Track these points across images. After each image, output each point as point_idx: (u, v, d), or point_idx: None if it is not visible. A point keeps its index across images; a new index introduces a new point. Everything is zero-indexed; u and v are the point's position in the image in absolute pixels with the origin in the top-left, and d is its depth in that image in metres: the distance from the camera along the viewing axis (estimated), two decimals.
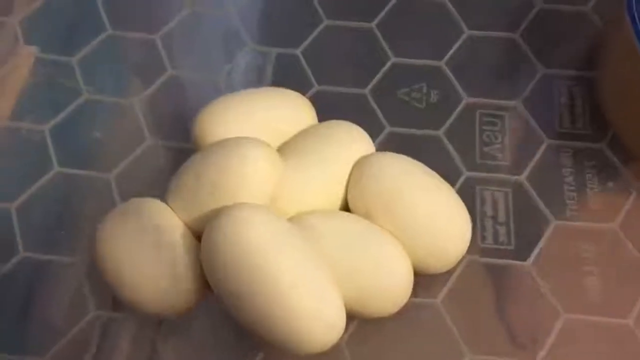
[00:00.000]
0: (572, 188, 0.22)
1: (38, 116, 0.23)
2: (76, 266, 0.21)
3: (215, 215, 0.18)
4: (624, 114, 0.22)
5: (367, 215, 0.19)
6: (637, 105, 0.21)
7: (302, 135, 0.21)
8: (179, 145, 0.23)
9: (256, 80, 0.24)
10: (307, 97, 0.23)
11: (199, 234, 0.19)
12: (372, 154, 0.20)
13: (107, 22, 0.25)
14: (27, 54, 0.25)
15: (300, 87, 0.23)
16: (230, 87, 0.24)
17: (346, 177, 0.20)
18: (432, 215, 0.19)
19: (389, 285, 0.18)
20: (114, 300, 0.20)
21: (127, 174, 0.22)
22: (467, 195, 0.21)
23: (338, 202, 0.20)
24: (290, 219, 0.19)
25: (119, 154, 0.22)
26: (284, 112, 0.21)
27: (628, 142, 0.22)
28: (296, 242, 0.17)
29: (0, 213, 0.21)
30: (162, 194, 0.20)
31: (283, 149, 0.20)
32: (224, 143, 0.19)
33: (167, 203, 0.19)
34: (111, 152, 0.23)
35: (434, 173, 0.20)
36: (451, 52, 0.25)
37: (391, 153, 0.20)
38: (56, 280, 0.21)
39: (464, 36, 0.25)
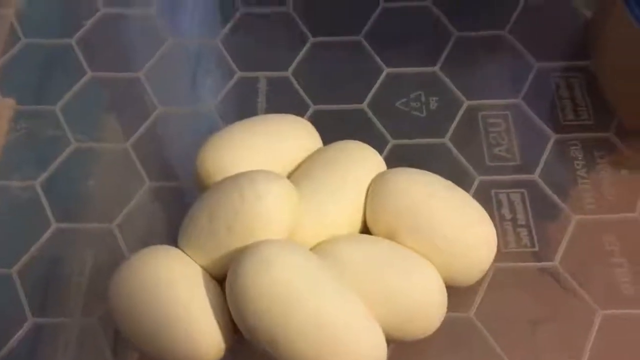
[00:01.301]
0: (586, 181, 0.21)
1: (26, 172, 0.22)
2: (87, 325, 0.20)
3: (237, 256, 0.17)
4: (628, 98, 0.22)
5: (389, 235, 0.19)
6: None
7: (311, 160, 0.20)
8: (180, 185, 0.22)
9: (250, 107, 0.23)
10: (305, 118, 0.22)
11: (220, 277, 0.18)
12: (387, 172, 0.19)
13: (85, 64, 0.24)
14: (6, 107, 0.23)
15: (296, 109, 0.23)
16: (225, 118, 0.23)
17: (363, 198, 0.19)
18: (457, 229, 0.18)
19: (425, 305, 0.18)
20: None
21: (130, 221, 0.21)
22: (483, 199, 0.21)
23: (358, 225, 0.19)
24: (313, 249, 0.18)
25: (118, 201, 0.21)
26: (288, 138, 0.20)
27: (636, 128, 0.22)
28: (327, 276, 0.17)
29: (1, 279, 0.20)
30: (169, 237, 0.19)
31: (294, 177, 0.19)
32: (235, 179, 0.18)
33: (181, 248, 0.18)
34: (109, 200, 0.21)
35: (451, 183, 0.19)
36: (443, 56, 0.24)
37: (406, 168, 0.19)
38: (68, 342, 0.19)
39: (453, 38, 0.25)
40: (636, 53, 0.20)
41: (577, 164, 0.22)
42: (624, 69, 0.21)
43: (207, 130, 0.21)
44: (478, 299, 0.19)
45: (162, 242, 0.19)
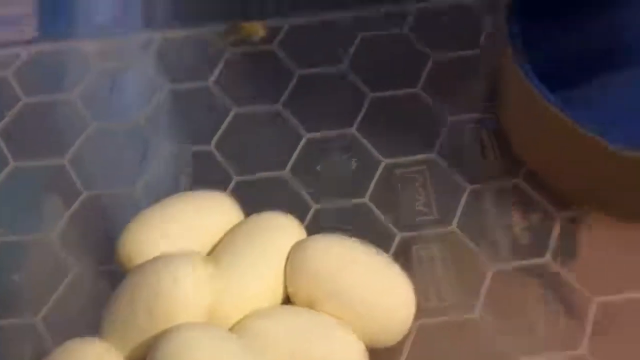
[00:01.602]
0: (502, 229, 0.22)
1: None
2: None
3: (154, 343, 0.17)
4: (529, 145, 0.23)
5: (310, 304, 0.19)
6: (536, 134, 0.22)
7: (231, 234, 0.20)
8: (108, 269, 0.22)
9: (174, 185, 0.24)
10: (228, 191, 0.23)
11: None
12: (304, 240, 0.20)
13: (8, 154, 0.24)
14: None
15: (220, 181, 0.23)
16: (151, 198, 0.23)
17: (282, 269, 0.19)
18: (375, 292, 0.19)
19: None
20: None
21: (56, 313, 0.21)
22: (404, 256, 0.21)
23: (280, 296, 0.19)
24: (234, 327, 0.18)
25: (44, 294, 0.21)
26: (209, 215, 0.21)
27: (540, 172, 0.23)
28: (246, 356, 0.17)
29: None
30: (97, 327, 0.19)
31: (215, 253, 0.20)
32: (152, 263, 0.18)
33: (103, 338, 0.18)
34: (34, 294, 0.21)
35: (368, 245, 0.20)
36: (360, 116, 0.25)
37: (323, 235, 0.20)
38: None
39: (368, 99, 0.25)
40: (527, 104, 0.21)
41: (492, 213, 0.23)
42: (521, 119, 0.23)
43: (133, 212, 0.21)
44: (403, 358, 0.20)
45: (90, 333, 0.19)
